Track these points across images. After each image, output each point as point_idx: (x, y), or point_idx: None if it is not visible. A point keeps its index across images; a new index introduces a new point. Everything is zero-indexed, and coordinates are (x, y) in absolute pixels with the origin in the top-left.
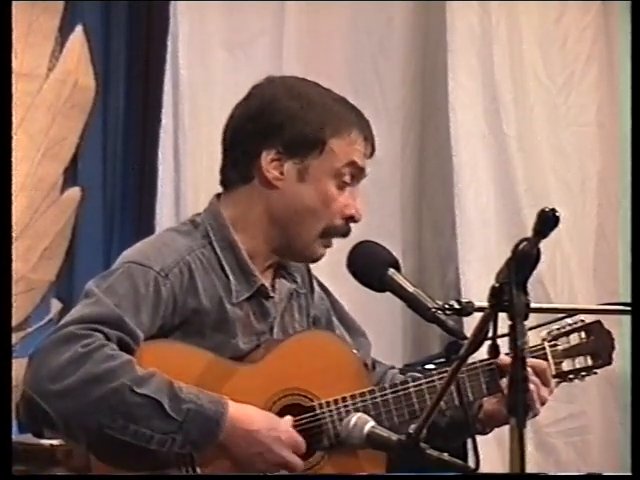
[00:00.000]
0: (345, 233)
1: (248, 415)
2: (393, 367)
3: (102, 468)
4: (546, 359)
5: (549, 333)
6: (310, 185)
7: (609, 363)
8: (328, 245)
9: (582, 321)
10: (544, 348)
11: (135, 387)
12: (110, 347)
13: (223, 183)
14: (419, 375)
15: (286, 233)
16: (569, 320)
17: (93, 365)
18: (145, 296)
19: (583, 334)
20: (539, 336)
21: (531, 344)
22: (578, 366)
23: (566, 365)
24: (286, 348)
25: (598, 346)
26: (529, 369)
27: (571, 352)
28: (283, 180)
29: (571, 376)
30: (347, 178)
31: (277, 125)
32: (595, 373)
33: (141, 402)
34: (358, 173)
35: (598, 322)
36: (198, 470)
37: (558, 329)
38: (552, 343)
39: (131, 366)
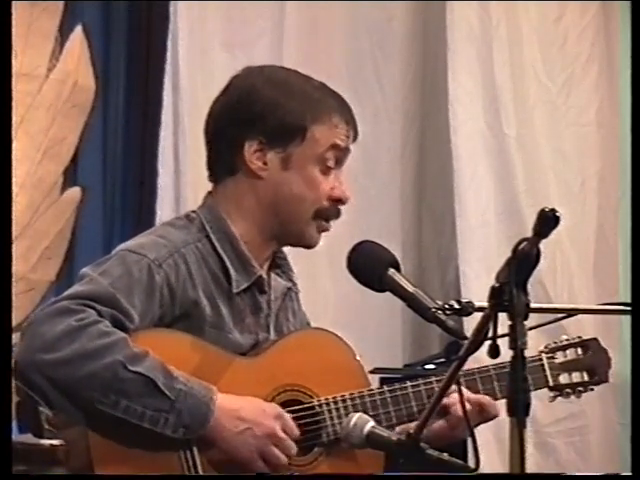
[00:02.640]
0: (336, 215)
1: (231, 399)
2: None
3: (101, 448)
4: (543, 370)
5: (546, 346)
6: (295, 172)
7: (606, 380)
8: (324, 229)
9: (579, 337)
10: (541, 359)
11: (128, 364)
12: (104, 324)
13: (211, 177)
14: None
15: (279, 220)
16: (565, 336)
17: (87, 340)
18: (138, 280)
19: (580, 350)
20: (537, 349)
21: (528, 355)
22: (575, 381)
23: (563, 379)
24: (287, 344)
25: (595, 362)
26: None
27: (568, 366)
28: (267, 170)
29: (568, 390)
30: (331, 162)
31: (257, 115)
32: (592, 389)
33: (134, 378)
34: (341, 155)
35: (595, 339)
36: (195, 451)
37: (555, 343)
38: (549, 355)
39: (125, 343)
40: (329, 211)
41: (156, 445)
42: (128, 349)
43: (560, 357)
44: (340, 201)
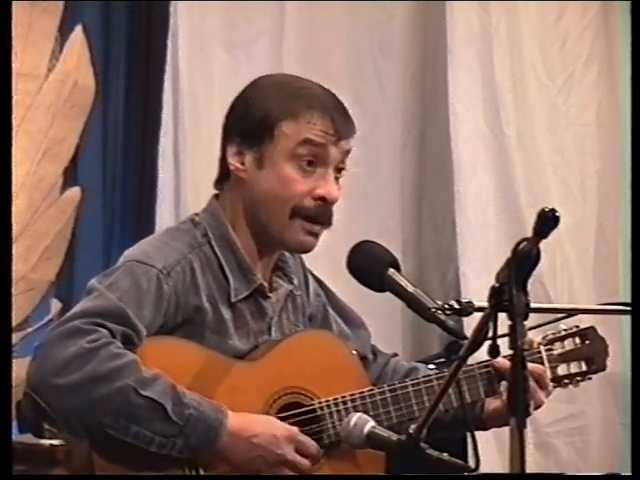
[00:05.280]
0: (319, 215)
1: (247, 422)
2: (395, 355)
3: (106, 468)
4: (542, 363)
5: (544, 338)
6: (268, 171)
7: (603, 369)
8: (311, 231)
9: (577, 327)
10: (540, 352)
11: (139, 389)
12: (116, 345)
13: (216, 184)
14: (422, 366)
15: (260, 222)
16: (563, 326)
17: (99, 363)
18: (147, 292)
19: (578, 339)
20: (535, 340)
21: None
22: (573, 371)
23: (561, 370)
24: (286, 347)
25: (593, 351)
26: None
27: (566, 357)
28: (245, 170)
29: (566, 381)
30: (307, 158)
31: (235, 119)
32: (589, 379)
33: (144, 404)
34: (321, 153)
35: (592, 328)
36: (202, 472)
37: (553, 334)
38: (548, 347)
39: (136, 366)
40: (311, 210)
41: (161, 466)
42: (139, 372)
43: (558, 348)
44: (324, 200)
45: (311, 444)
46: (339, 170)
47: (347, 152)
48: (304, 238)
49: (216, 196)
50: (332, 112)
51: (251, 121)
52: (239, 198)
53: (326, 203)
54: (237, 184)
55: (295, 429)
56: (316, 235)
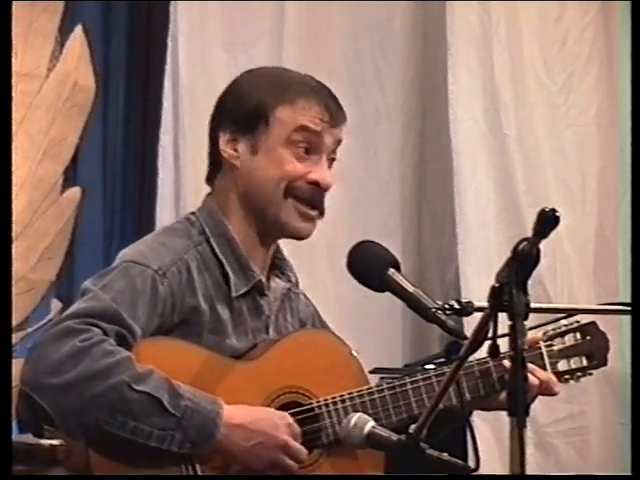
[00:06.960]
0: (312, 198)
1: (241, 412)
2: None
3: (103, 467)
4: (542, 359)
5: (545, 333)
6: (263, 156)
7: (604, 364)
8: (305, 214)
9: (577, 322)
10: (540, 348)
11: (134, 384)
12: (109, 342)
13: (207, 178)
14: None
15: (256, 208)
16: (564, 321)
17: (92, 361)
18: (142, 292)
19: (578, 335)
20: (538, 337)
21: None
22: (573, 366)
23: (561, 366)
24: (284, 346)
25: (593, 347)
26: (555, 380)
27: (567, 352)
28: (238, 157)
29: (567, 376)
30: (303, 145)
31: (228, 108)
32: (590, 374)
33: (140, 399)
34: (316, 140)
35: (593, 323)
36: (198, 467)
37: (554, 329)
38: (548, 343)
39: (130, 362)
40: (303, 192)
41: (157, 462)
42: (133, 368)
43: (559, 344)
44: (317, 185)
45: (298, 430)
46: (331, 160)
47: (339, 141)
48: (300, 224)
49: (210, 195)
50: (326, 99)
51: (245, 109)
52: (232, 187)
53: (319, 188)
54: (229, 172)
55: (287, 415)
56: (312, 220)
